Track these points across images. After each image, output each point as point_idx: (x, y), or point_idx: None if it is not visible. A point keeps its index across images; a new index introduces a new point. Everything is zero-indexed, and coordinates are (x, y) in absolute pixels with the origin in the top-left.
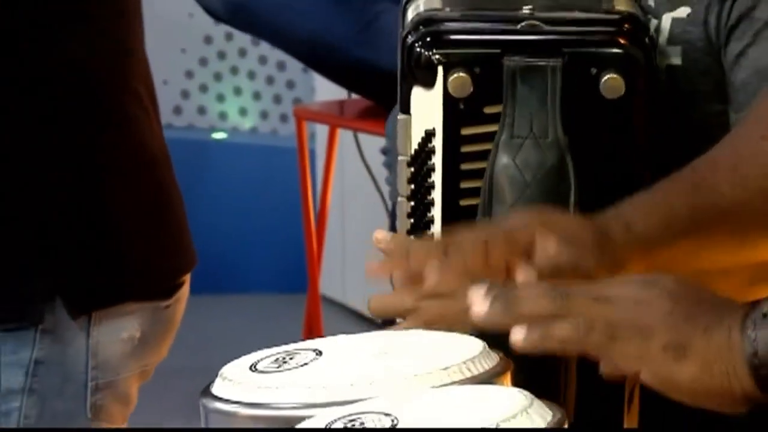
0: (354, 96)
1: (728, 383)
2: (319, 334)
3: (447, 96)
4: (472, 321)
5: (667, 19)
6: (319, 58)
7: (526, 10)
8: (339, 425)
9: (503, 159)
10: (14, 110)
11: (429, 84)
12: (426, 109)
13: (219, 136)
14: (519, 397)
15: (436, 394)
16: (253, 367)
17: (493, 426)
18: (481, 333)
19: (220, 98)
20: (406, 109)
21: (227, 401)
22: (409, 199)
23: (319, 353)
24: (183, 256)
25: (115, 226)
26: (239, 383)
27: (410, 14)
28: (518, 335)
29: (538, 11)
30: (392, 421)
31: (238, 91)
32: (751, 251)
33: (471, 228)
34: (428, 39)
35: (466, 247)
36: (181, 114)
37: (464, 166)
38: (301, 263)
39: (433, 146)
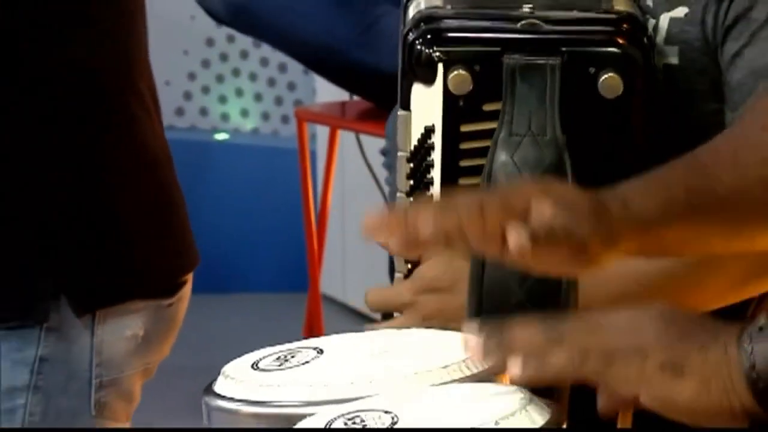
0: (354, 98)
1: (727, 400)
2: (320, 333)
3: (447, 93)
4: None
5: (664, 19)
6: (320, 61)
7: (526, 8)
8: (340, 423)
9: (501, 156)
10: (17, 111)
11: (429, 81)
12: (426, 105)
13: (221, 137)
14: (517, 395)
15: (436, 392)
16: (255, 366)
17: (492, 424)
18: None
19: (222, 100)
20: (406, 106)
21: (229, 399)
22: (407, 194)
23: (320, 352)
24: (185, 256)
25: (118, 226)
26: (241, 381)
27: (411, 11)
28: (515, 368)
29: (538, 10)
30: (392, 418)
31: (239, 93)
32: (747, 241)
33: (468, 191)
34: (429, 36)
35: (462, 207)
36: (183, 115)
37: (463, 163)
38: (302, 263)
39: (433, 143)
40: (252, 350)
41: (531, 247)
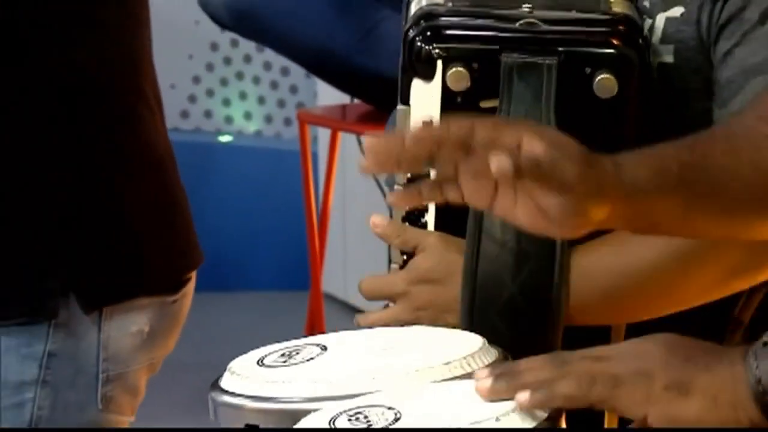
0: (355, 101)
1: (734, 414)
2: (321, 330)
3: (445, 89)
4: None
5: (661, 19)
6: (322, 65)
7: (525, 8)
8: (343, 418)
9: None
10: (26, 112)
11: (428, 77)
12: (425, 101)
13: (225, 139)
14: None
15: (438, 388)
16: (260, 362)
17: (492, 420)
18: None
19: (226, 102)
20: (405, 101)
21: (235, 395)
22: (405, 187)
23: (324, 349)
24: (190, 254)
25: (125, 225)
26: (247, 377)
27: (413, 8)
28: (523, 398)
29: (537, 10)
30: (395, 414)
31: (243, 96)
32: (736, 226)
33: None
34: (428, 33)
35: (453, 123)
36: (188, 118)
37: None
38: (304, 261)
39: None
40: (254, 347)
41: (513, 175)
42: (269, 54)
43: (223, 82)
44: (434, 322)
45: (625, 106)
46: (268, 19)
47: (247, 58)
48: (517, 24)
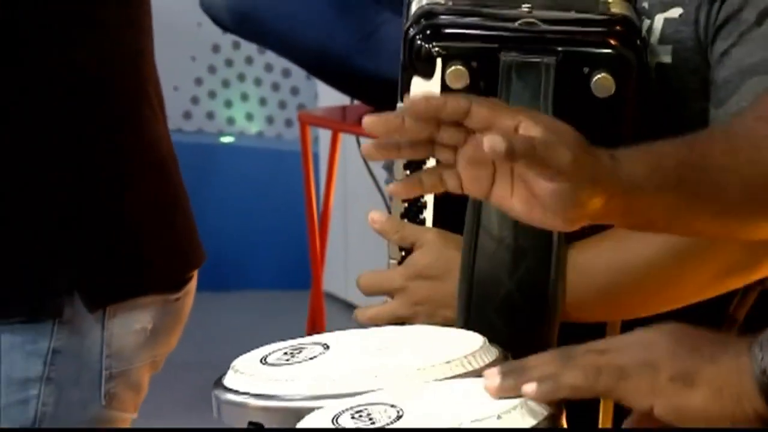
0: (355, 102)
1: (739, 405)
2: (323, 329)
3: (444, 87)
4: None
5: (659, 20)
6: (322, 66)
7: (524, 8)
8: (346, 416)
9: None
10: (28, 113)
11: (428, 75)
12: None
13: (227, 140)
14: None
15: (439, 386)
16: (263, 360)
17: (494, 418)
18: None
19: (228, 104)
20: (405, 98)
21: (238, 392)
22: (405, 177)
23: (327, 347)
24: (192, 253)
25: (129, 225)
26: (250, 375)
27: (414, 7)
28: (530, 389)
29: (536, 10)
30: (397, 412)
31: (245, 97)
32: (732, 225)
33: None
34: (428, 32)
35: (451, 98)
36: (190, 119)
37: None
38: (305, 261)
39: None
40: (256, 346)
41: (507, 157)
42: (270, 56)
43: (225, 84)
44: (431, 318)
45: (622, 106)
46: (269, 21)
47: (249, 60)
48: (517, 23)
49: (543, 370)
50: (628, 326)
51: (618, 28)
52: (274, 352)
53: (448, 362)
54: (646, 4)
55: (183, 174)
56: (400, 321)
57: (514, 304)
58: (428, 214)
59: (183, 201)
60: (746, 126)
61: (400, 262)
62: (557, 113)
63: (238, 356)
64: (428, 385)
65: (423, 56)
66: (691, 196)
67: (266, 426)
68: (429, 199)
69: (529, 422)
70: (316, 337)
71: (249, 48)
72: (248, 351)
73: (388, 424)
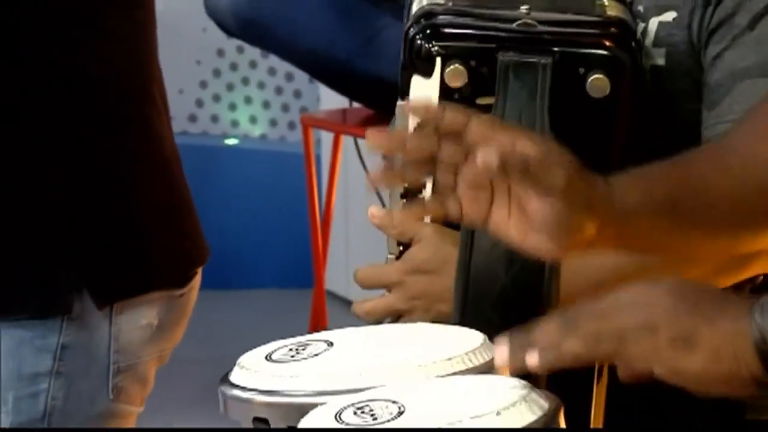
0: (354, 105)
1: (737, 368)
2: (325, 327)
3: (443, 85)
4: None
5: (653, 23)
6: (325, 70)
7: (523, 9)
8: (349, 412)
9: None
10: (37, 114)
11: (427, 73)
12: (423, 96)
13: (231, 142)
14: (518, 386)
15: (440, 383)
16: (268, 357)
17: (494, 414)
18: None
19: (232, 107)
20: (405, 96)
21: (244, 388)
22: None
23: (330, 344)
24: (196, 250)
25: (135, 224)
26: (256, 372)
27: (415, 7)
28: (533, 359)
29: (534, 11)
30: (399, 408)
31: (248, 101)
32: (729, 242)
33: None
34: (428, 32)
35: (450, 110)
36: (196, 122)
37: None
38: (308, 260)
39: None
40: (260, 343)
41: (500, 172)
42: (274, 60)
43: (230, 87)
44: (428, 312)
45: (616, 106)
46: (273, 26)
47: (253, 64)
48: (514, 24)
49: (544, 335)
50: None
51: (613, 30)
52: (279, 349)
53: (449, 359)
54: (641, 8)
55: (188, 175)
56: (397, 314)
57: (510, 298)
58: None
59: (187, 200)
60: (737, 142)
61: (398, 257)
62: (553, 112)
63: (242, 353)
64: (430, 381)
65: (423, 55)
66: (684, 220)
67: (271, 420)
68: (427, 195)
69: (529, 419)
70: (320, 335)
71: (253, 52)
72: (252, 348)
73: (389, 420)
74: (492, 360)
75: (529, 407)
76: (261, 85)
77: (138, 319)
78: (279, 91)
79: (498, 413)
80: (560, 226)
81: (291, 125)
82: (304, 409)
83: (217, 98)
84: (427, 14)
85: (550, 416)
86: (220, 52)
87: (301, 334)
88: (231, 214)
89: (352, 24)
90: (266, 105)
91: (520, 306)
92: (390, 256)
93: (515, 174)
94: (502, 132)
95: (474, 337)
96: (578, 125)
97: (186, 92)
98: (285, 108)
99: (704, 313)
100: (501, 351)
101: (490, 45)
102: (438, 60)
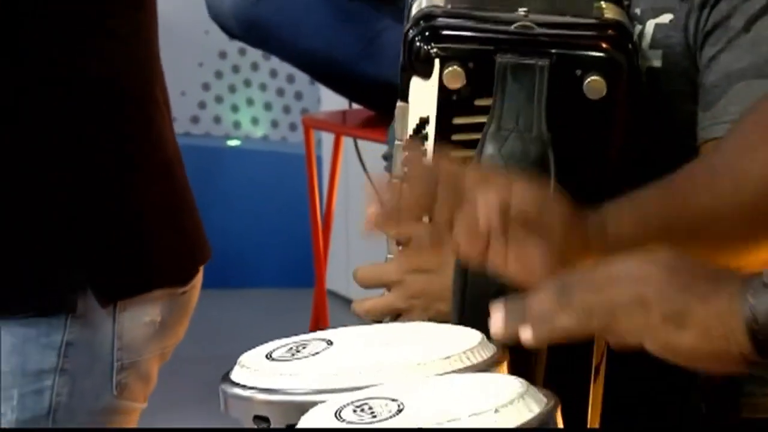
0: (354, 106)
1: (727, 347)
2: (326, 326)
3: (441, 87)
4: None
5: (650, 25)
6: (326, 72)
7: (521, 11)
8: (348, 410)
9: (489, 149)
10: (49, 116)
11: (426, 75)
12: (422, 98)
13: (233, 143)
14: (515, 384)
15: (439, 381)
16: (268, 356)
17: (491, 411)
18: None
19: (234, 108)
20: (404, 97)
21: (245, 387)
22: (402, 180)
23: (330, 343)
24: (198, 249)
25: (138, 224)
26: (256, 370)
27: (414, 10)
28: (527, 334)
29: (532, 13)
30: (398, 406)
31: (250, 102)
32: (724, 258)
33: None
34: (427, 33)
35: (445, 160)
36: (198, 123)
37: (454, 153)
38: (309, 260)
39: (427, 133)
40: (261, 342)
41: (499, 220)
42: (275, 62)
43: (232, 89)
44: (426, 311)
45: (613, 108)
46: (274, 28)
47: (255, 66)
48: (513, 27)
49: (540, 304)
50: None
51: (610, 32)
52: (279, 347)
53: (447, 357)
54: (638, 10)
55: (191, 176)
56: (396, 313)
57: (507, 297)
58: None
59: (188, 199)
60: (727, 161)
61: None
62: (550, 114)
63: (243, 351)
64: (428, 379)
65: (422, 57)
66: (683, 242)
67: (271, 418)
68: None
69: (526, 416)
70: (319, 334)
71: (255, 54)
72: (254, 347)
73: (389, 418)
74: (490, 358)
75: (527, 405)
76: (263, 87)
77: (141, 316)
78: (280, 92)
79: (496, 410)
80: (555, 264)
81: (292, 126)
82: (303, 408)
83: (219, 100)
84: (426, 16)
85: (548, 414)
86: (223, 55)
87: (303, 333)
88: (233, 214)
89: (352, 26)
90: (268, 106)
91: None
92: (389, 257)
93: (513, 226)
94: (498, 181)
95: (472, 335)
96: (575, 127)
97: (189, 94)
98: (286, 109)
99: (697, 291)
100: (496, 320)
101: (489, 47)
102: (437, 62)
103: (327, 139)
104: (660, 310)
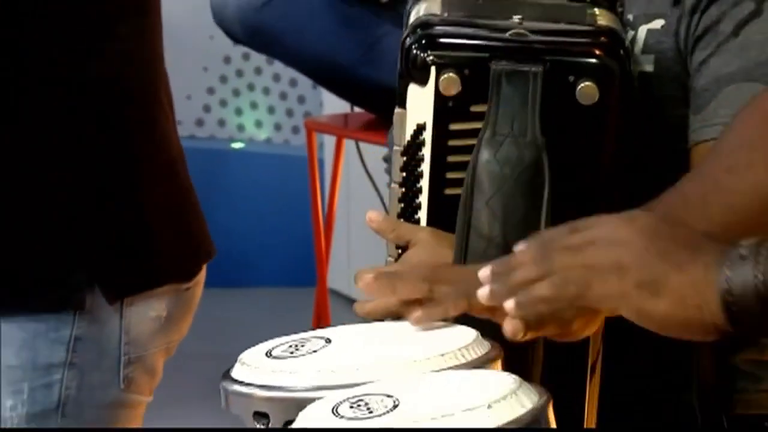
0: (356, 110)
1: (700, 316)
2: (327, 324)
3: (438, 94)
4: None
5: (642, 31)
6: (328, 76)
7: (515, 19)
8: (346, 406)
9: (485, 154)
10: (56, 117)
11: (423, 82)
12: (419, 104)
13: (237, 146)
14: (508, 380)
15: (434, 377)
16: (268, 354)
17: (485, 407)
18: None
19: (238, 112)
20: (402, 104)
21: (245, 384)
22: (400, 185)
23: (328, 341)
24: (202, 246)
25: (144, 223)
26: (256, 368)
27: (412, 18)
28: (509, 305)
29: (527, 21)
30: (394, 402)
31: (254, 106)
32: None
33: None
34: (424, 41)
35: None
36: (203, 126)
37: (450, 159)
38: (311, 259)
39: (424, 139)
40: (264, 340)
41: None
42: (278, 66)
43: (236, 93)
44: None
45: (605, 113)
46: (278, 34)
47: (258, 71)
48: (507, 34)
49: (523, 272)
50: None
51: (603, 39)
52: (278, 345)
53: (442, 355)
54: (630, 16)
55: (196, 178)
56: (396, 315)
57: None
58: (422, 214)
59: (192, 199)
60: (719, 184)
61: (396, 260)
62: (544, 119)
63: (246, 349)
64: (424, 376)
65: (418, 64)
66: None
67: (270, 414)
68: (423, 200)
69: (519, 411)
70: (318, 332)
71: (258, 59)
72: (257, 344)
73: (384, 413)
74: (485, 355)
75: (519, 400)
76: (266, 91)
77: (147, 311)
78: (283, 96)
79: (489, 406)
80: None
81: (295, 129)
82: (302, 404)
83: (223, 103)
84: (423, 24)
85: (540, 409)
86: (227, 59)
87: (305, 331)
88: (237, 215)
89: (353, 32)
90: (271, 110)
91: None
92: (389, 259)
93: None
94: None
95: (467, 333)
96: (569, 131)
97: (194, 98)
98: (289, 113)
99: (675, 258)
100: (483, 291)
101: (483, 54)
102: (433, 69)
103: (329, 141)
104: (636, 276)
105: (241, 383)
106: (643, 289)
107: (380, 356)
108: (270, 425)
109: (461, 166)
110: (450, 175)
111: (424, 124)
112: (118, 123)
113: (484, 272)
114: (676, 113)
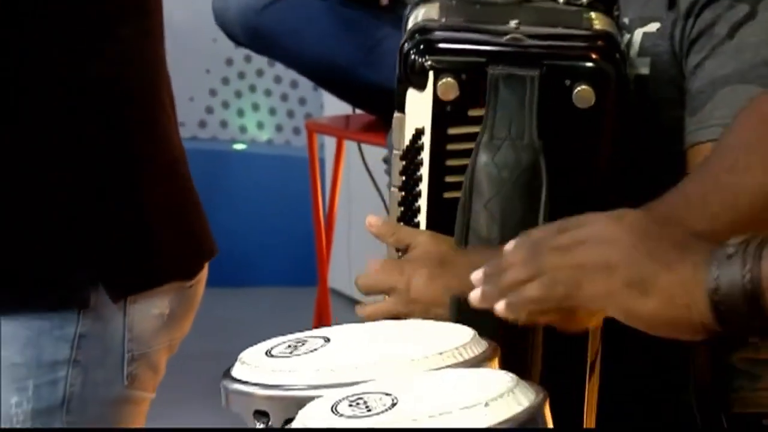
0: (357, 111)
1: (688, 315)
2: (328, 323)
3: (436, 98)
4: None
5: (638, 34)
6: (329, 78)
7: (513, 24)
8: (344, 404)
9: (483, 158)
10: (59, 117)
11: (421, 87)
12: (418, 109)
13: (239, 147)
14: (506, 379)
15: (432, 376)
16: (268, 353)
17: (482, 405)
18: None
19: (240, 113)
20: (401, 109)
21: (245, 383)
22: (400, 189)
23: (327, 340)
24: (204, 245)
25: (147, 221)
26: (256, 367)
27: (411, 23)
28: (500, 307)
29: (524, 25)
30: (392, 400)
31: (256, 107)
32: None
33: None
34: (422, 47)
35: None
36: (205, 127)
37: (449, 162)
38: (312, 259)
39: (422, 143)
40: (265, 339)
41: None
42: (280, 68)
43: (238, 95)
44: (425, 315)
45: (602, 116)
46: (279, 36)
47: (260, 73)
48: (504, 39)
49: (513, 273)
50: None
51: (599, 43)
52: (278, 345)
53: (440, 353)
54: (626, 20)
55: (198, 179)
56: (396, 317)
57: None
58: (422, 218)
59: (193, 197)
60: (720, 183)
61: None
62: (541, 123)
63: (247, 348)
64: (422, 374)
65: (417, 69)
66: None
67: (270, 413)
68: (423, 203)
69: (515, 409)
70: (317, 331)
71: (260, 61)
72: (257, 344)
73: (383, 412)
74: (482, 354)
75: (516, 398)
76: (267, 93)
77: (150, 309)
78: (285, 98)
79: (486, 404)
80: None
81: (296, 131)
82: (302, 402)
83: (225, 105)
84: (421, 30)
85: (537, 407)
86: (229, 62)
87: (306, 330)
88: (239, 215)
89: (353, 35)
90: (272, 111)
91: None
92: None
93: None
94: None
95: (464, 332)
96: (566, 134)
97: (196, 99)
98: (290, 114)
99: (663, 257)
100: (475, 294)
101: (481, 59)
102: (431, 74)
103: (329, 142)
104: (624, 275)
105: (241, 382)
106: (632, 288)
107: (379, 355)
108: (270, 423)
109: (460, 170)
110: (449, 179)
111: (423, 128)
112: (119, 123)
113: (476, 275)
114: (672, 115)
